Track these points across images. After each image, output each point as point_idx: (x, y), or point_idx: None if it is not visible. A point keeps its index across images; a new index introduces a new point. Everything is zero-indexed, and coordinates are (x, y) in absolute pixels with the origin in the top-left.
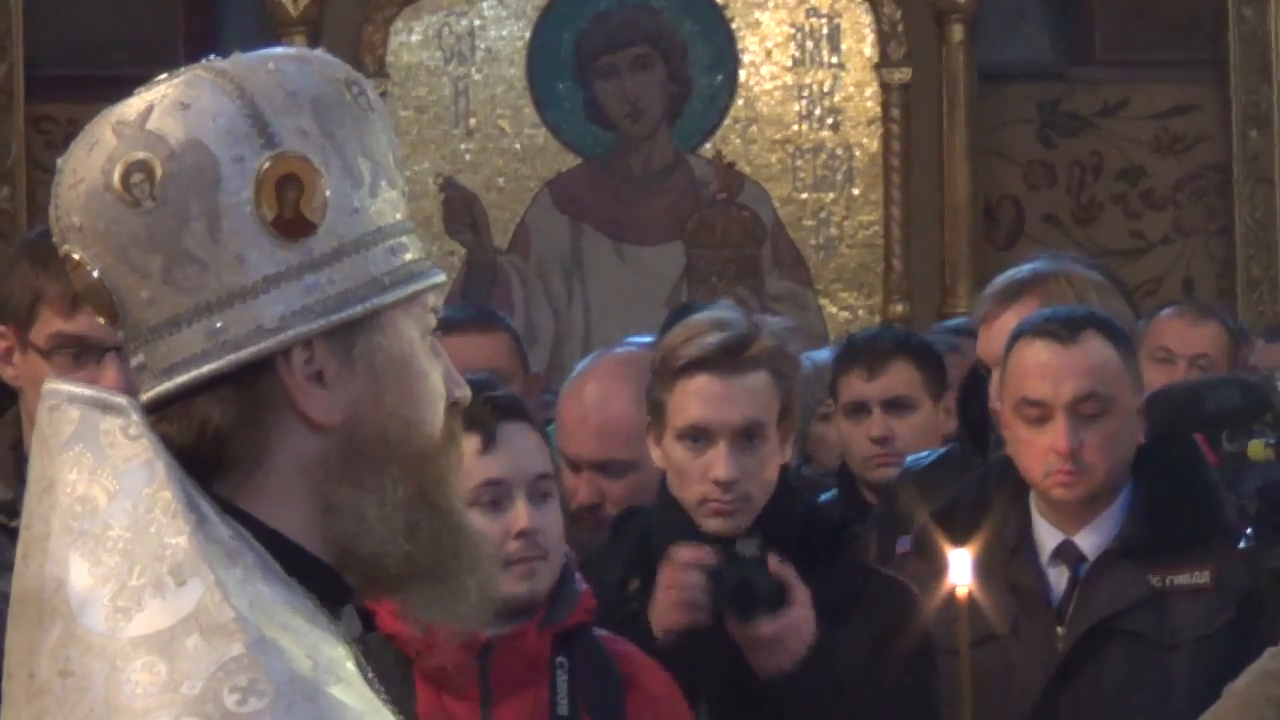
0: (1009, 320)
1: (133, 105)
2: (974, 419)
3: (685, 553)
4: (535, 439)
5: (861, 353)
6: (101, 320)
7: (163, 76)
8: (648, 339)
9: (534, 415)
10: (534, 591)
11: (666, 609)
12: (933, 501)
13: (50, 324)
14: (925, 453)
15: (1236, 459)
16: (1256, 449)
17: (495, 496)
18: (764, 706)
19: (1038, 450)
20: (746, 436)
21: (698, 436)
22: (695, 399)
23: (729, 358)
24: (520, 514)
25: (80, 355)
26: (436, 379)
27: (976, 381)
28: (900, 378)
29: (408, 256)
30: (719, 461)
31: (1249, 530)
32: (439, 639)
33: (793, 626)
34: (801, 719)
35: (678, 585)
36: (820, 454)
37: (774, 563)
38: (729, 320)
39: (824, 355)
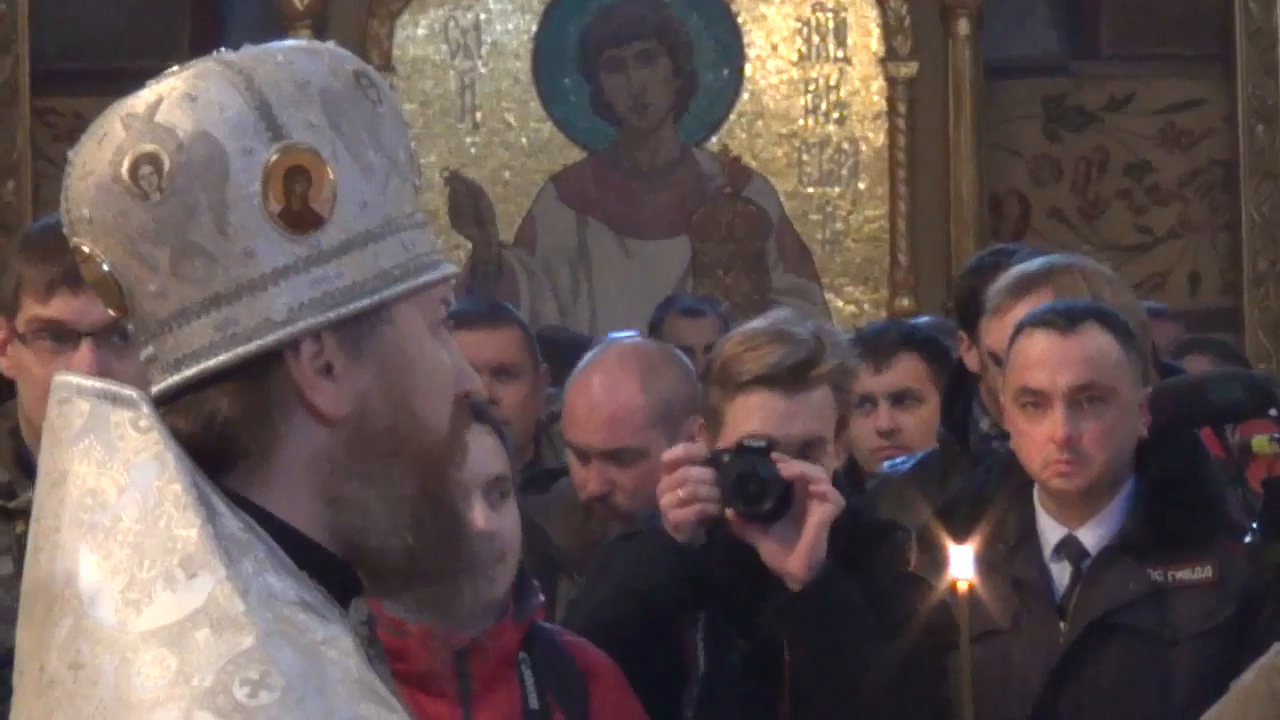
0: (1020, 313)
1: (142, 97)
2: (957, 417)
3: (676, 450)
4: (492, 441)
5: (868, 346)
6: (111, 312)
7: (173, 69)
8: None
9: (494, 418)
10: (494, 591)
11: (673, 506)
12: (911, 508)
13: (28, 310)
14: (901, 459)
15: (1241, 453)
16: (1261, 444)
17: None
18: (767, 625)
19: (1036, 441)
20: (805, 453)
21: None
22: (758, 415)
23: (793, 376)
24: (476, 515)
25: (57, 340)
26: (445, 372)
27: (960, 380)
28: (907, 371)
29: (418, 249)
30: None
31: (1254, 525)
32: (415, 642)
33: (800, 529)
34: (804, 648)
35: (680, 481)
36: (855, 449)
37: (784, 463)
38: (793, 334)
39: None
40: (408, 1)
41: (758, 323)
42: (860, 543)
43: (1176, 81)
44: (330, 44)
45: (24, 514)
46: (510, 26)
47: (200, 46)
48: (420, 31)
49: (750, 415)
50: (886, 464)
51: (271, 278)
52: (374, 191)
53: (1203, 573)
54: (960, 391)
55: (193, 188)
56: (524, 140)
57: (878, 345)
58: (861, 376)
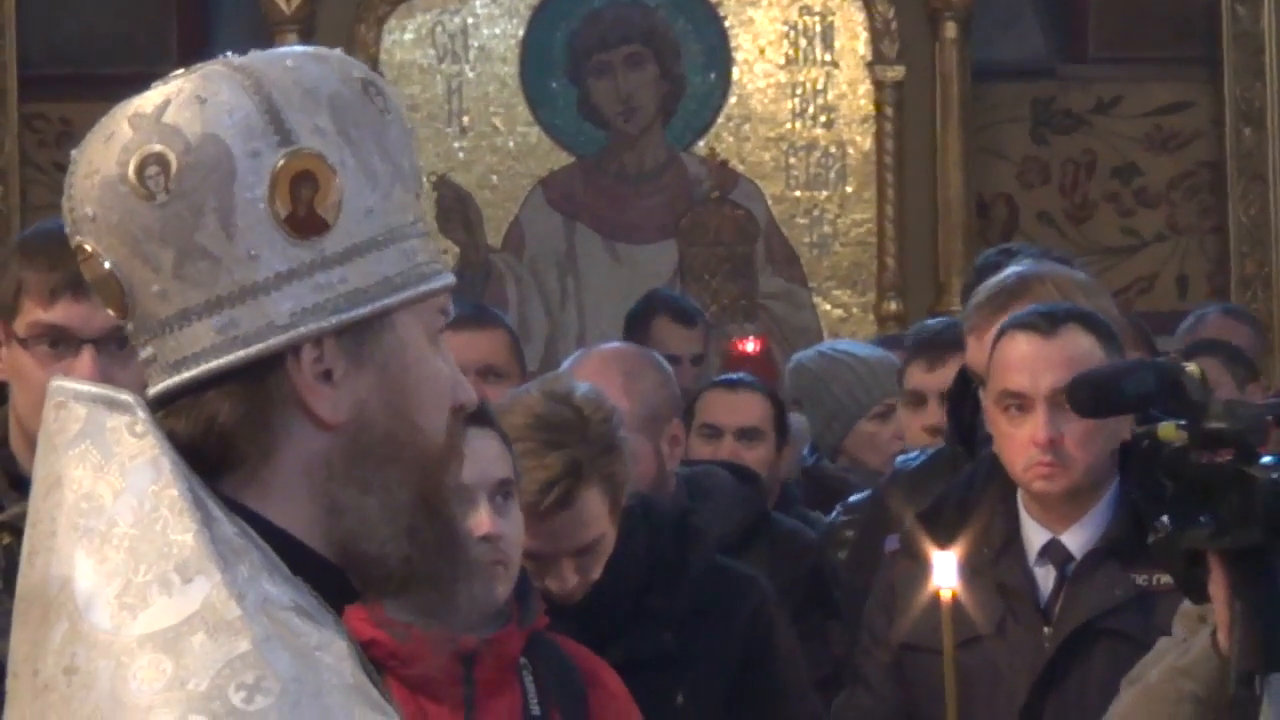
0: (996, 330)
1: (149, 98)
2: (963, 422)
3: None
4: (498, 445)
5: (924, 345)
6: (111, 312)
7: (179, 71)
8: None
9: (497, 421)
10: (496, 596)
11: None
12: (919, 503)
13: (30, 314)
14: (915, 453)
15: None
16: (1168, 431)
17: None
18: None
19: (1019, 443)
20: (585, 553)
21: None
22: (530, 535)
23: (558, 502)
24: (483, 519)
25: (57, 345)
26: (444, 382)
27: (966, 384)
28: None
29: (420, 258)
30: (558, 577)
31: (1163, 518)
32: (420, 646)
33: None
34: None
35: None
36: (865, 453)
37: None
38: (551, 446)
39: (878, 353)
40: (395, 6)
41: (521, 412)
42: (663, 544)
43: (1164, 84)
44: (337, 51)
45: (9, 527)
46: (498, 31)
47: (188, 52)
48: (407, 36)
49: (526, 532)
50: (899, 459)
51: (275, 282)
52: (378, 199)
53: None
54: (966, 394)
55: (199, 189)
56: (511, 145)
57: (934, 344)
58: (914, 374)
